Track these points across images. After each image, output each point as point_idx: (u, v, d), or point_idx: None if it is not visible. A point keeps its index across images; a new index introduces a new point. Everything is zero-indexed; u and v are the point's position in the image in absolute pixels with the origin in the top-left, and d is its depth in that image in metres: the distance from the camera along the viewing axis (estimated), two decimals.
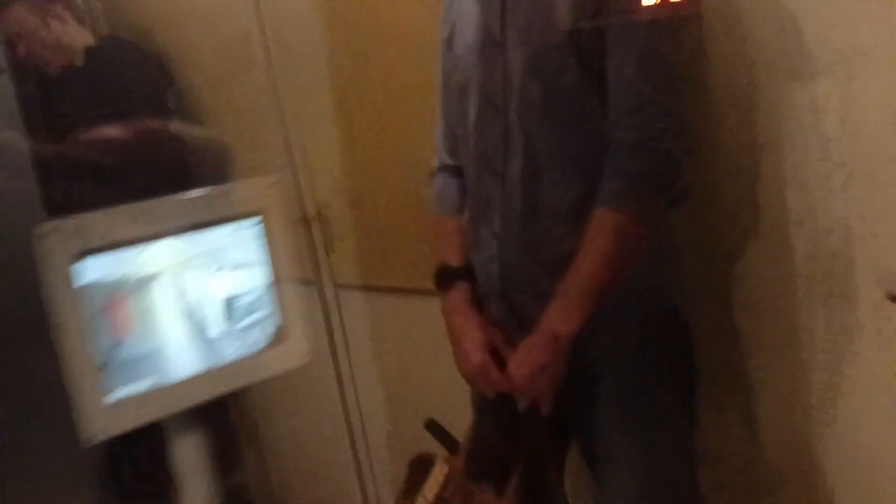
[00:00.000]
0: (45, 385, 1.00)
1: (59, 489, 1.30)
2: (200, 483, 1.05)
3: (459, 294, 1.29)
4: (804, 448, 1.28)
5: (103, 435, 0.92)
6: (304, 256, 2.12)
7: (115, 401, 0.94)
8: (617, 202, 1.11)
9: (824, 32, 1.12)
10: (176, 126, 1.92)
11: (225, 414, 1.89)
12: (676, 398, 1.23)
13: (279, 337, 1.07)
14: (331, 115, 2.00)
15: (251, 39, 2.09)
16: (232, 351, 1.03)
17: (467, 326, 1.26)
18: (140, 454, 1.41)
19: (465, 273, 1.30)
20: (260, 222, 1.05)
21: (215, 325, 1.04)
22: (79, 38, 2.00)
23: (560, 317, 1.14)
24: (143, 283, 0.98)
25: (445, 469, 1.22)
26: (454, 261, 1.31)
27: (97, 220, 0.95)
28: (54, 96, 1.94)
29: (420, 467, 1.28)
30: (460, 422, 1.32)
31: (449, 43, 1.29)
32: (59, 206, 1.23)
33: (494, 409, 1.24)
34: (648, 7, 1.07)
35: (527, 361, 1.17)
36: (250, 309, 1.06)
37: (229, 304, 1.05)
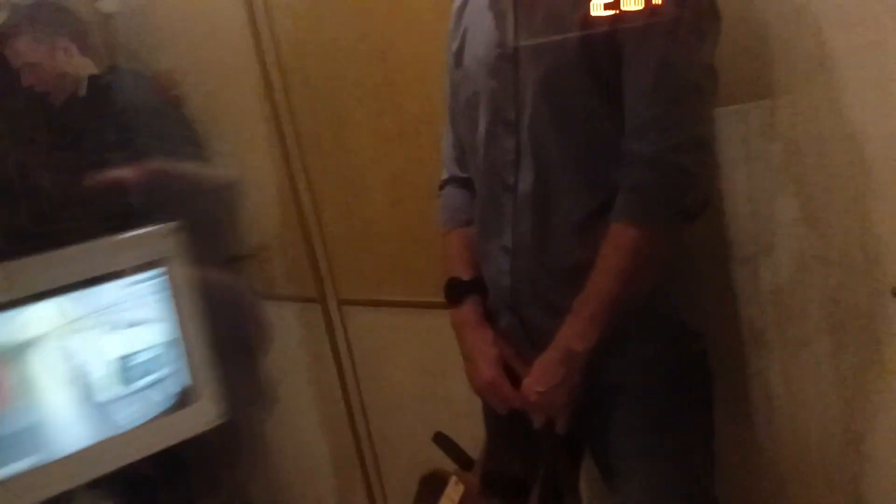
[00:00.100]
0: None
1: None
2: None
3: (470, 308, 1.27)
4: (824, 457, 1.27)
5: None
6: (307, 274, 2.10)
7: None
8: (633, 216, 1.09)
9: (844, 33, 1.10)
10: (184, 165, 1.92)
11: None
12: (693, 410, 1.21)
13: (186, 398, 0.97)
14: (329, 132, 1.98)
15: (250, 62, 2.09)
16: (128, 417, 0.93)
17: (479, 341, 1.24)
18: None
19: (476, 286, 1.28)
20: (162, 274, 0.96)
21: (106, 388, 0.94)
22: (83, 68, 1.99)
23: (576, 333, 1.12)
24: (21, 350, 0.87)
25: (461, 488, 1.21)
26: (464, 274, 1.30)
27: None
28: (58, 126, 1.95)
29: (432, 484, 1.28)
30: (469, 435, 1.31)
31: (458, 55, 1.28)
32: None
33: (508, 425, 1.23)
34: (664, 21, 1.05)
35: (542, 379, 1.15)
36: (148, 369, 0.95)
37: (123, 364, 0.95)
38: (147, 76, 2.14)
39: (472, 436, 1.31)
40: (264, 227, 2.17)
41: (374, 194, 1.92)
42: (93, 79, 2.00)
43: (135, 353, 0.97)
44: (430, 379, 1.93)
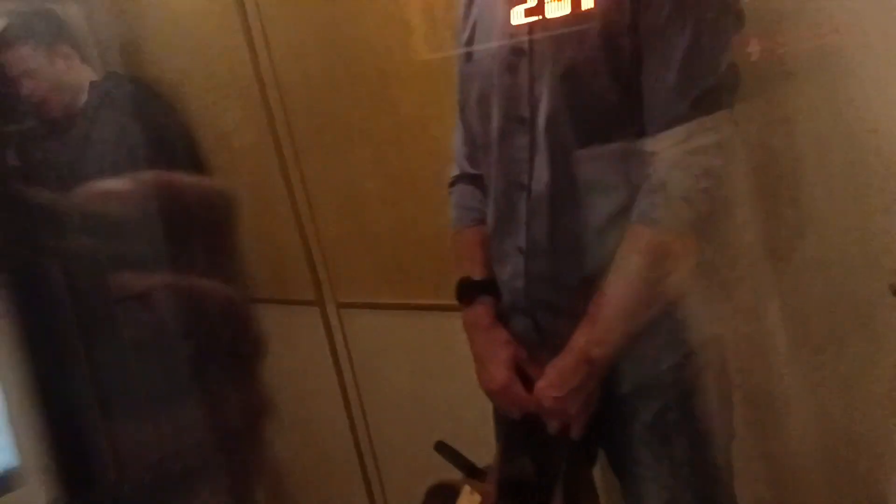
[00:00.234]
0: None
1: None
2: None
3: (483, 309, 1.24)
4: (847, 461, 1.25)
5: None
6: (305, 277, 2.09)
7: None
8: (654, 219, 1.06)
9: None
10: (179, 176, 1.91)
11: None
12: (711, 418, 1.18)
13: (9, 483, 0.81)
14: (325, 135, 1.97)
15: (244, 66, 2.06)
16: None
17: (492, 343, 1.21)
18: None
19: (489, 286, 1.25)
20: None
21: None
22: (83, 76, 2.01)
23: (592, 338, 1.09)
24: None
25: (476, 498, 1.19)
26: (477, 274, 1.26)
27: None
28: (57, 136, 1.96)
29: (441, 496, 1.25)
30: (471, 438, 1.28)
31: (469, 45, 1.24)
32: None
33: (522, 430, 1.20)
34: (686, 18, 1.03)
35: (557, 383, 1.12)
36: None
37: None
38: (144, 83, 2.14)
39: (474, 439, 1.29)
40: (261, 231, 2.16)
41: (370, 197, 1.91)
42: (93, 86, 2.02)
43: None
44: (429, 381, 1.91)
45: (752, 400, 1.33)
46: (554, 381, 1.12)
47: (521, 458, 1.22)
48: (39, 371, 0.78)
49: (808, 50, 1.14)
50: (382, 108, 1.80)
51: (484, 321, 1.24)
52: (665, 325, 1.12)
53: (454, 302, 1.29)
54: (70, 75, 2.02)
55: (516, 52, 1.14)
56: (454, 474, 1.26)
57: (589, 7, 1.04)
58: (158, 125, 2.03)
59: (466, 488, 1.21)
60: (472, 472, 1.24)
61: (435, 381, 1.90)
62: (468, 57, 1.24)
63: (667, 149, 1.06)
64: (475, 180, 1.31)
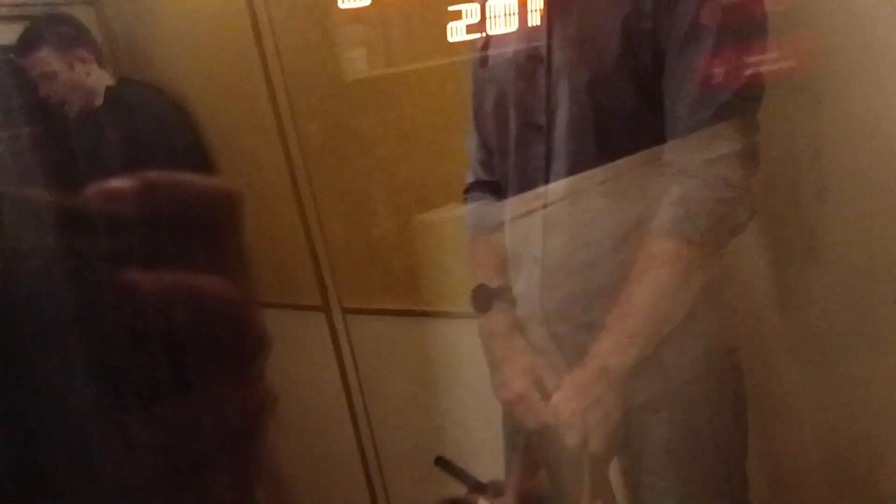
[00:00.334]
0: None
1: None
2: None
3: (500, 316, 1.22)
4: (858, 474, 1.24)
5: None
6: (311, 282, 2.09)
7: None
8: (676, 230, 1.04)
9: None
10: (184, 175, 1.92)
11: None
12: (727, 429, 1.17)
13: None
14: (336, 141, 1.96)
15: (255, 73, 2.06)
16: None
17: (509, 351, 1.19)
18: None
19: (505, 294, 1.23)
20: None
21: None
22: (101, 80, 2.06)
23: (612, 350, 1.08)
24: None
25: None
26: (493, 281, 1.24)
27: None
28: (74, 137, 2.01)
29: None
30: (474, 445, 1.30)
31: (483, 55, 1.22)
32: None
33: (538, 442, 1.19)
34: (709, 26, 1.01)
35: (575, 395, 1.10)
36: None
37: None
38: (157, 87, 2.16)
39: (479, 446, 1.29)
40: (268, 236, 2.16)
41: (377, 203, 1.91)
42: (108, 91, 2.06)
43: None
44: (435, 388, 1.91)
45: (753, 402, 1.30)
46: (572, 393, 1.11)
47: (537, 471, 1.18)
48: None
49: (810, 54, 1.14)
50: (390, 115, 1.79)
51: (501, 329, 1.22)
52: (683, 336, 1.11)
53: (461, 309, 1.28)
54: (87, 80, 2.06)
55: (533, 58, 1.12)
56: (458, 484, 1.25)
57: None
58: (169, 130, 2.05)
59: (482, 502, 1.17)
60: (476, 488, 1.22)
61: (441, 388, 1.89)
62: (483, 63, 1.23)
63: (688, 158, 1.04)
64: (491, 187, 1.29)
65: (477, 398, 1.25)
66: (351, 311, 2.07)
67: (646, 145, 1.07)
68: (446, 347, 1.80)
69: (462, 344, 1.60)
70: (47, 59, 2.03)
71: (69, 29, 2.09)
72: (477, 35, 1.06)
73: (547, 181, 1.14)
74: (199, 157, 2.01)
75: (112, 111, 2.05)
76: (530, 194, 1.16)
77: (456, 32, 1.02)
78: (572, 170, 1.11)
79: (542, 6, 1.12)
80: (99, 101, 2.06)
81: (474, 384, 1.25)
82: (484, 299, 1.24)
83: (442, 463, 1.25)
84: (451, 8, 1.02)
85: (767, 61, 1.05)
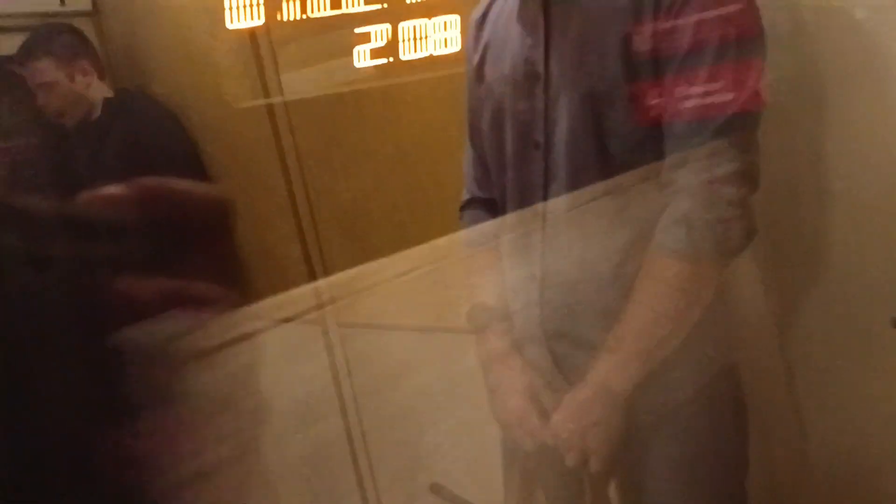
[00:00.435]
0: None
1: None
2: None
3: (498, 336, 1.21)
4: (857, 488, 1.24)
5: None
6: (307, 295, 2.08)
7: None
8: (676, 249, 1.04)
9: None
10: (178, 182, 1.92)
11: None
12: (727, 449, 1.17)
13: None
14: (332, 155, 1.97)
15: (253, 85, 2.04)
16: None
17: (507, 370, 1.18)
18: None
19: (503, 313, 1.22)
20: None
21: None
22: (99, 91, 2.07)
23: (613, 370, 1.07)
24: None
25: None
26: (490, 299, 1.24)
27: None
28: (70, 147, 2.03)
29: None
30: (471, 462, 1.29)
31: (479, 70, 1.22)
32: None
33: (538, 464, 1.18)
34: (708, 44, 1.01)
35: (576, 416, 1.10)
36: None
37: None
38: (154, 99, 2.16)
39: (477, 465, 1.28)
40: (264, 248, 2.16)
41: (373, 216, 1.91)
42: (107, 102, 2.06)
43: None
44: (432, 405, 1.91)
45: (752, 418, 1.30)
46: (572, 414, 1.10)
47: (537, 493, 1.19)
48: None
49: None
50: (387, 130, 1.79)
51: (498, 348, 1.21)
52: (683, 354, 1.10)
53: (459, 324, 1.28)
54: (87, 91, 2.07)
55: (531, 76, 1.12)
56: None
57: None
58: (165, 140, 2.05)
59: None
60: None
61: (439, 403, 1.88)
62: (479, 79, 1.22)
63: (687, 177, 1.04)
64: (486, 205, 1.28)
65: (476, 416, 1.24)
66: (347, 325, 2.07)
67: (645, 162, 1.07)
68: (445, 363, 1.79)
69: (461, 360, 1.59)
70: (47, 69, 2.04)
71: (71, 40, 2.10)
72: (377, 60, 1.04)
73: (545, 198, 1.13)
74: (194, 168, 2.01)
75: (109, 123, 2.05)
76: (528, 211, 1.16)
77: (363, 57, 0.94)
78: (571, 187, 1.11)
79: (540, 22, 1.11)
80: (97, 113, 2.07)
81: (473, 402, 1.24)
82: (481, 318, 1.23)
83: (437, 489, 1.25)
84: (357, 30, 0.94)
85: (766, 79, 1.06)
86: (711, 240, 1.04)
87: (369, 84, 1.03)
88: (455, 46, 0.97)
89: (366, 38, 0.95)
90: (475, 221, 1.30)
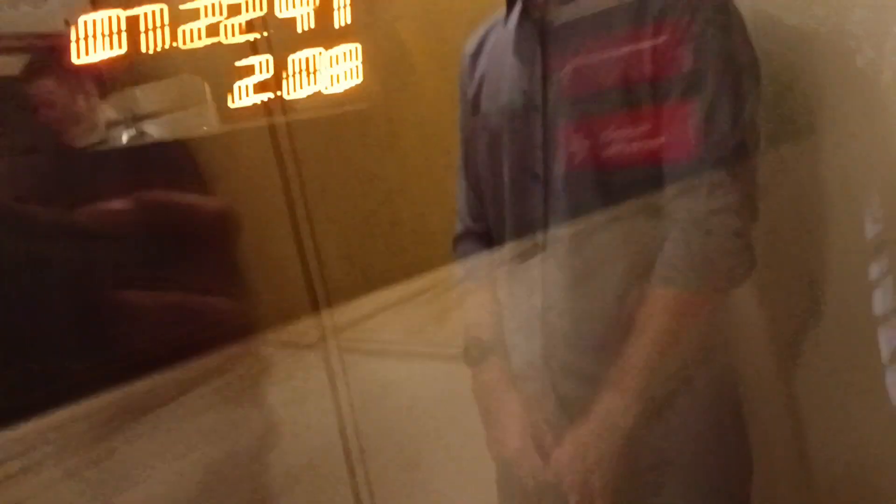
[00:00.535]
0: None
1: None
2: None
3: (494, 371, 1.19)
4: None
5: None
6: (308, 319, 2.07)
7: None
8: (677, 281, 1.04)
9: None
10: (181, 194, 1.92)
11: None
12: (732, 488, 1.15)
13: None
14: (336, 180, 1.97)
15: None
16: None
17: (505, 406, 1.17)
18: None
19: (499, 347, 1.20)
20: None
21: None
22: (102, 114, 2.01)
23: (615, 406, 1.05)
24: None
25: None
26: (485, 333, 1.22)
27: None
28: (76, 169, 1.97)
29: None
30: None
31: (475, 101, 1.22)
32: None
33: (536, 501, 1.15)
34: (707, 75, 1.02)
35: (578, 454, 1.07)
36: None
37: None
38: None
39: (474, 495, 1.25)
40: (264, 272, 2.15)
41: (375, 242, 1.91)
42: (108, 124, 2.04)
43: None
44: (433, 432, 1.89)
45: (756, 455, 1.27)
46: (574, 452, 1.08)
47: None
48: None
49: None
50: (390, 155, 1.79)
51: (495, 384, 1.19)
52: (687, 391, 1.09)
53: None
54: (88, 112, 2.05)
55: (529, 108, 1.12)
56: None
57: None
58: (168, 159, 2.04)
59: None
60: None
61: (440, 432, 1.86)
62: (475, 112, 1.22)
63: (687, 208, 1.04)
64: (481, 237, 1.27)
65: (478, 444, 1.22)
66: (348, 350, 2.05)
67: (645, 192, 1.07)
68: (446, 390, 1.77)
69: (464, 387, 1.57)
70: (49, 88, 2.04)
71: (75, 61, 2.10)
72: (263, 95, 0.96)
73: (546, 230, 1.12)
74: (196, 181, 2.00)
75: (109, 144, 2.05)
76: (528, 243, 1.14)
77: (244, 93, 0.84)
78: (571, 218, 1.10)
79: (537, 53, 1.11)
80: (97, 134, 2.06)
81: (475, 430, 1.22)
82: (477, 353, 1.21)
83: None
84: (238, 63, 0.86)
85: (762, 110, 1.07)
86: (712, 271, 1.04)
87: (248, 124, 0.93)
88: (356, 79, 0.89)
89: (247, 71, 0.84)
90: (469, 254, 1.28)
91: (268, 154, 2.05)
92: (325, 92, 0.85)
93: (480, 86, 1.21)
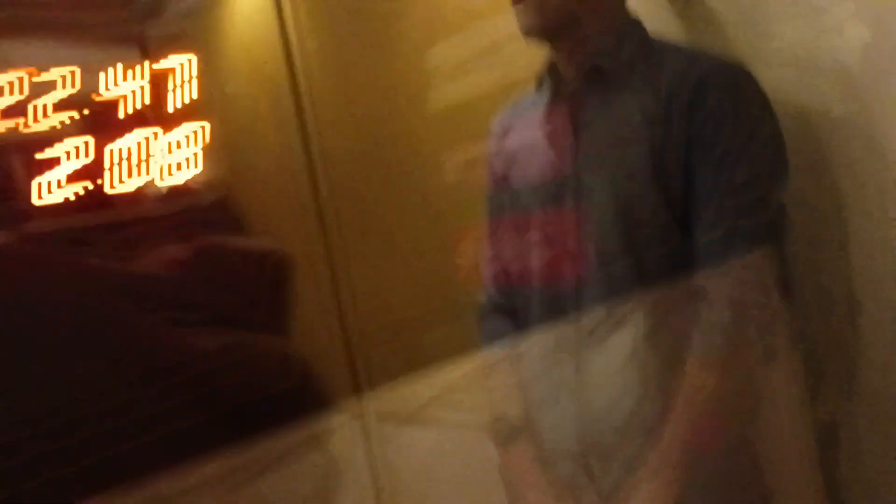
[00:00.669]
0: None
1: None
2: None
3: (523, 454, 1.16)
4: None
5: None
6: (346, 385, 2.05)
7: None
8: (714, 355, 1.03)
9: None
10: (235, 240, 1.95)
11: None
12: None
13: None
14: (372, 240, 1.98)
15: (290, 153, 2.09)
16: None
17: (535, 493, 1.13)
18: None
19: (528, 427, 1.17)
20: None
21: None
22: None
23: (656, 490, 1.03)
24: None
25: None
26: (514, 414, 1.19)
27: None
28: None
29: None
30: None
31: (503, 177, 1.22)
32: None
33: None
34: (739, 157, 1.03)
35: None
36: None
37: None
38: None
39: None
40: (301, 334, 2.14)
41: (413, 310, 1.90)
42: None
43: None
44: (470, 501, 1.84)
45: None
46: None
47: None
48: None
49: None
50: (428, 218, 1.81)
51: (525, 468, 1.15)
52: (731, 470, 1.07)
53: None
54: None
55: (561, 183, 1.12)
56: None
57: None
58: (215, 211, 2.07)
59: None
60: None
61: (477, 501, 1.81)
62: (503, 186, 1.22)
63: (721, 284, 1.03)
64: (507, 311, 1.25)
65: None
66: (385, 416, 2.02)
67: (678, 269, 1.06)
68: (483, 461, 1.73)
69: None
70: None
71: None
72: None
73: (578, 307, 1.11)
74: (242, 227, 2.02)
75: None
76: (559, 321, 1.13)
77: (46, 189, 0.68)
78: (604, 295, 1.09)
79: (569, 130, 1.11)
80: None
81: None
82: (505, 433, 1.18)
83: None
84: (39, 156, 0.68)
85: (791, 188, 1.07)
86: (749, 345, 1.04)
87: (51, 227, 0.74)
88: (200, 166, 0.77)
89: (53, 163, 0.70)
90: (496, 329, 1.26)
91: (310, 221, 2.06)
92: (160, 183, 0.72)
93: (510, 161, 1.22)
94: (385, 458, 2.04)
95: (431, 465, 1.93)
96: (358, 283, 2.02)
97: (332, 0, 2.06)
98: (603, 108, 1.11)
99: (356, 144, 1.95)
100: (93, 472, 0.67)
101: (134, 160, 0.73)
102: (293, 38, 2.05)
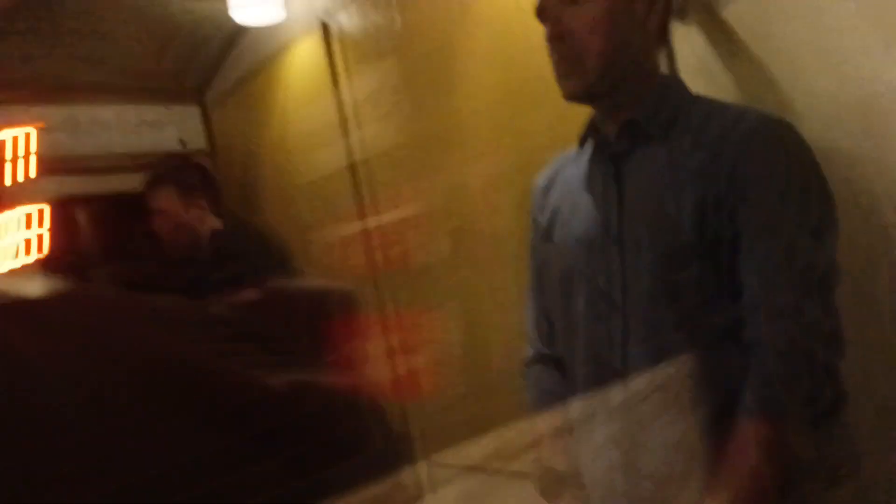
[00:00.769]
0: None
1: None
2: None
3: None
4: None
5: None
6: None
7: None
8: (767, 411, 1.00)
9: None
10: (301, 282, 2.01)
11: None
12: None
13: None
14: (419, 289, 1.99)
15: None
16: None
17: None
18: None
19: (575, 480, 1.17)
20: None
21: None
22: (209, 225, 2.24)
23: None
24: None
25: None
26: (560, 464, 1.18)
27: None
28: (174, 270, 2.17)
29: None
30: None
31: (548, 231, 1.24)
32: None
33: None
34: (788, 205, 1.02)
35: None
36: None
37: None
38: (260, 230, 2.31)
39: None
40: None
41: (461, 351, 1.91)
42: (214, 234, 2.21)
43: None
44: None
45: None
46: None
47: None
48: None
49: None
50: (474, 271, 1.83)
51: None
52: None
53: None
54: (198, 223, 2.21)
55: (606, 238, 1.13)
56: None
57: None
58: (265, 271, 2.12)
59: None
60: None
61: None
62: (547, 242, 1.24)
63: (772, 336, 1.01)
64: (552, 361, 1.26)
65: None
66: (438, 465, 2.01)
67: (725, 318, 1.05)
68: None
69: None
70: (166, 197, 2.21)
71: (194, 175, 2.25)
72: None
73: (624, 358, 1.11)
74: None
75: (212, 254, 2.18)
76: (606, 371, 1.12)
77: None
78: (651, 346, 1.08)
79: (612, 187, 1.12)
80: (203, 244, 2.20)
81: None
82: (553, 485, 1.18)
83: None
84: None
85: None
86: (802, 401, 1.01)
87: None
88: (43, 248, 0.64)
89: None
90: (542, 380, 1.27)
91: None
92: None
93: (553, 217, 1.23)
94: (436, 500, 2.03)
95: None
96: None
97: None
98: (645, 164, 1.11)
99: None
100: None
101: None
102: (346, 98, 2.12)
